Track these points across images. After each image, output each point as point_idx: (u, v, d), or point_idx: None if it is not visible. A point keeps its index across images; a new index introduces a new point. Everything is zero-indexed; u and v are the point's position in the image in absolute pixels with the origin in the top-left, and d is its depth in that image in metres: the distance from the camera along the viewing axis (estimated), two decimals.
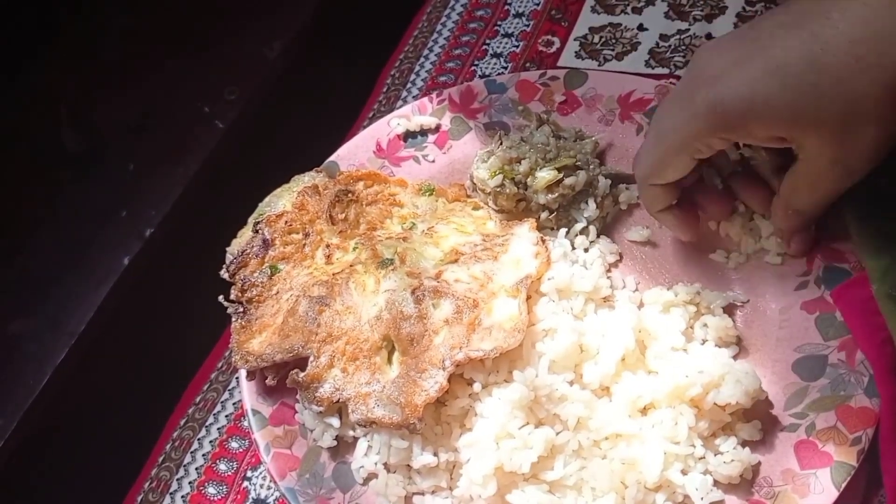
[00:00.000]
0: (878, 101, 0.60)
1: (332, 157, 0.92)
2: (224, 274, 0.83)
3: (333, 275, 0.79)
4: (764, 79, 0.62)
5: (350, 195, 0.85)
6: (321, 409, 0.75)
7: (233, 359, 0.78)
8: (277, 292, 0.81)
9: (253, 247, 0.83)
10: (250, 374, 0.80)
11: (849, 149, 0.64)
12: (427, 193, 0.87)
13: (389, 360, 0.76)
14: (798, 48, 0.61)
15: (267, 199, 0.87)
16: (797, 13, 0.62)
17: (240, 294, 0.81)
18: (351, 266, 0.80)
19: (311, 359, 0.76)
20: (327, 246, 0.83)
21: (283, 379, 0.77)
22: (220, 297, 0.81)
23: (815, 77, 0.60)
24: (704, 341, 0.78)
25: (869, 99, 0.60)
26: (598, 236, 0.85)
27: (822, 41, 0.60)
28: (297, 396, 0.79)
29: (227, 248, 0.84)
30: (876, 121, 0.62)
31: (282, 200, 0.86)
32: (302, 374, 0.75)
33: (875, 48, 0.59)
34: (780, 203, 0.73)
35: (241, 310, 0.80)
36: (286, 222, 0.84)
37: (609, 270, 0.83)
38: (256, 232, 0.84)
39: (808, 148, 0.65)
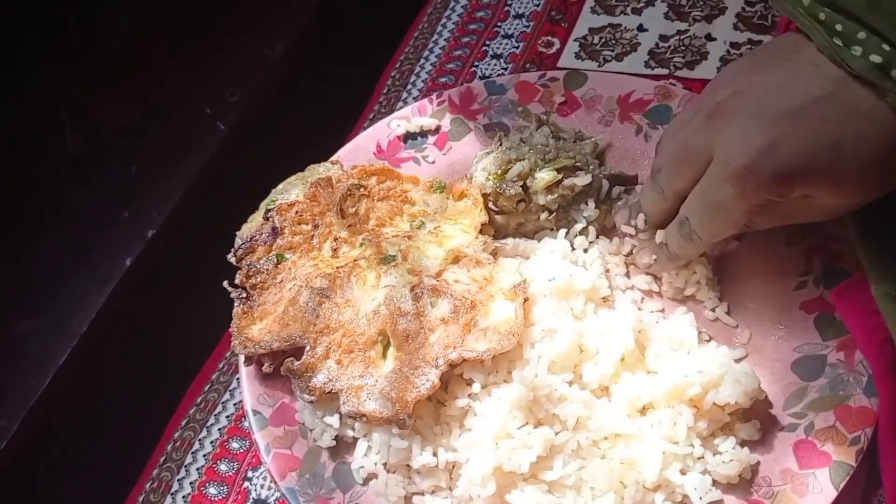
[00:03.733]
0: None
1: (332, 158, 0.92)
2: (231, 258, 0.83)
3: (337, 268, 0.80)
4: (819, 151, 0.64)
5: (362, 190, 0.86)
6: (313, 398, 0.75)
7: (232, 343, 0.79)
8: (281, 281, 0.81)
9: (262, 233, 0.84)
10: (248, 360, 0.80)
11: (871, 194, 0.68)
12: (438, 191, 0.87)
13: (384, 355, 0.76)
14: (850, 125, 0.63)
15: (281, 186, 0.88)
16: (831, 81, 0.64)
17: (245, 279, 0.82)
18: (355, 261, 0.80)
19: (308, 348, 0.76)
20: (335, 239, 0.83)
21: (279, 367, 0.77)
22: (225, 283, 0.81)
23: (866, 152, 0.63)
24: (709, 339, 0.78)
25: None
26: (597, 237, 0.85)
27: (872, 122, 0.63)
28: (293, 386, 0.79)
29: (237, 232, 0.85)
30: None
31: (295, 189, 0.87)
32: (297, 363, 0.75)
33: None
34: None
35: (245, 295, 0.81)
36: (297, 212, 0.84)
37: (608, 271, 0.83)
38: (267, 219, 0.85)
39: (818, 200, 0.68)
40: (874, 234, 0.72)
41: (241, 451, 0.88)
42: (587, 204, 0.85)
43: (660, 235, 0.79)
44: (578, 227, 0.84)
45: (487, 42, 1.10)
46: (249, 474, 0.86)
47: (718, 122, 0.68)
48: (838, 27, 0.63)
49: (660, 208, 0.78)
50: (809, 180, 0.65)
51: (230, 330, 0.80)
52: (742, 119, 0.67)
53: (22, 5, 1.26)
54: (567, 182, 0.83)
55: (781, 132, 0.64)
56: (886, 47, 0.61)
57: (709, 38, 1.02)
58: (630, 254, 0.83)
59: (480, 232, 0.83)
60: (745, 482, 0.72)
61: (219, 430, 0.90)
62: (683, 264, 0.80)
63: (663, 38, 1.03)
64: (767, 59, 0.69)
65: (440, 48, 1.11)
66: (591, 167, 0.86)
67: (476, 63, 1.08)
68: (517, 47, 1.08)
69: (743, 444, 0.73)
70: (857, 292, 0.72)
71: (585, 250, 0.83)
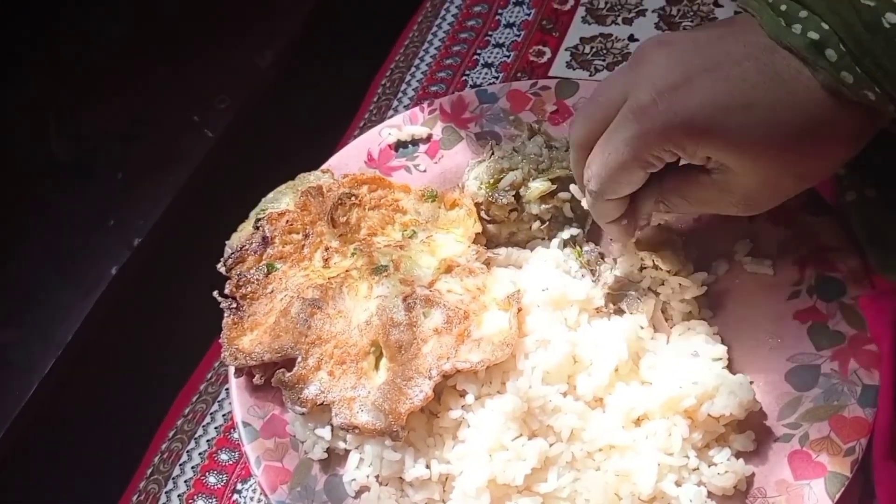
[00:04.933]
0: (837, 155, 0.65)
1: (323, 167, 0.91)
2: (221, 267, 0.82)
3: (329, 278, 0.79)
4: (730, 108, 0.63)
5: (353, 199, 0.85)
6: (305, 410, 0.74)
7: (222, 354, 0.78)
8: (272, 291, 0.80)
9: (252, 243, 0.83)
10: (238, 372, 0.79)
11: (785, 182, 0.67)
12: (430, 200, 0.86)
13: (377, 366, 0.76)
14: (767, 90, 0.62)
15: (271, 195, 0.87)
16: (758, 47, 0.64)
17: (235, 289, 0.81)
18: (346, 271, 0.80)
19: (299, 360, 0.75)
20: (326, 249, 0.82)
21: (270, 378, 0.76)
22: (215, 292, 0.80)
23: (778, 120, 0.62)
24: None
25: (828, 147, 0.64)
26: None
27: (790, 91, 0.62)
28: (284, 398, 0.78)
29: (227, 242, 0.84)
30: (826, 167, 0.67)
31: (285, 198, 0.86)
32: (288, 375, 0.74)
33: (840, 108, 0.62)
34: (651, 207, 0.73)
35: (235, 305, 0.80)
36: (287, 221, 0.84)
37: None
38: (257, 228, 0.84)
39: (737, 171, 0.66)
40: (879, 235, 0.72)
41: (231, 462, 0.87)
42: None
43: (585, 203, 0.77)
44: (566, 234, 0.84)
45: (478, 51, 1.09)
46: (239, 486, 0.85)
47: (637, 67, 0.67)
48: (783, 7, 0.63)
49: (581, 169, 0.73)
50: (716, 135, 0.63)
51: (220, 341, 0.79)
52: (662, 61, 0.65)
53: (8, 10, 1.24)
54: (561, 195, 0.83)
55: (698, 79, 0.63)
56: (825, 26, 0.61)
57: None
58: None
59: (472, 241, 0.83)
60: (740, 493, 0.72)
61: (207, 441, 0.89)
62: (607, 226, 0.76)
63: None
64: (703, 26, 0.69)
65: (431, 57, 1.11)
66: None
67: (467, 72, 1.08)
68: (508, 56, 1.08)
69: (738, 455, 0.73)
70: (886, 303, 0.72)
71: (582, 265, 0.82)
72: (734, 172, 0.65)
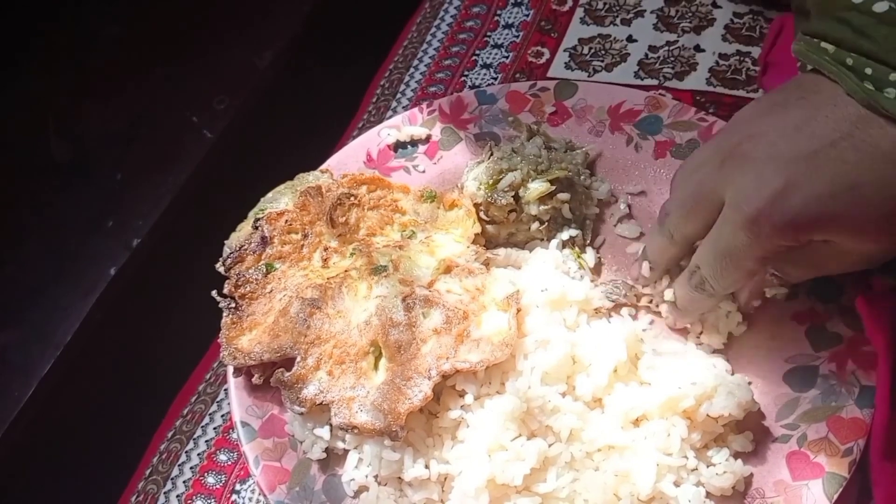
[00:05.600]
0: None
1: (322, 167, 0.92)
2: (220, 267, 0.82)
3: (328, 278, 0.79)
4: (835, 195, 0.62)
5: (352, 199, 0.85)
6: (303, 410, 0.74)
7: (221, 354, 0.78)
8: (271, 291, 0.80)
9: (251, 243, 0.83)
10: (237, 371, 0.79)
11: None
12: (429, 200, 0.87)
13: (376, 366, 0.76)
14: (869, 167, 0.62)
15: (270, 195, 0.87)
16: (848, 122, 0.62)
17: (233, 289, 0.81)
18: (346, 271, 0.80)
19: (298, 359, 0.75)
20: (325, 249, 0.82)
21: (269, 378, 0.77)
22: (214, 292, 0.80)
23: (886, 194, 0.62)
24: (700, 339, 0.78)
25: None
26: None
27: (892, 160, 0.61)
28: (283, 398, 0.78)
29: (226, 242, 0.84)
30: None
31: (284, 198, 0.86)
32: (287, 374, 0.75)
33: None
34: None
35: (234, 305, 0.80)
36: (286, 221, 0.84)
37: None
38: (256, 228, 0.84)
39: (851, 243, 0.66)
40: None
41: (229, 463, 0.87)
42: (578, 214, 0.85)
43: (668, 294, 0.78)
44: (565, 235, 0.84)
45: (477, 52, 1.09)
46: (237, 487, 0.85)
47: (732, 166, 0.67)
48: (868, 70, 0.62)
49: (668, 254, 0.76)
50: (827, 225, 0.64)
51: (219, 340, 0.79)
52: (756, 163, 0.65)
53: (7, 10, 1.24)
54: (560, 196, 0.83)
55: (796, 175, 0.63)
56: None
57: (697, 48, 1.02)
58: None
59: (472, 242, 0.83)
60: (738, 494, 0.72)
61: (206, 441, 0.89)
62: (697, 316, 0.78)
63: (652, 48, 1.04)
64: (786, 100, 0.68)
65: (430, 57, 1.11)
66: (582, 177, 0.86)
67: (466, 73, 1.08)
68: (507, 57, 1.08)
69: (736, 455, 0.73)
70: (884, 302, 0.72)
71: (581, 266, 0.82)
72: (849, 243, 0.66)
